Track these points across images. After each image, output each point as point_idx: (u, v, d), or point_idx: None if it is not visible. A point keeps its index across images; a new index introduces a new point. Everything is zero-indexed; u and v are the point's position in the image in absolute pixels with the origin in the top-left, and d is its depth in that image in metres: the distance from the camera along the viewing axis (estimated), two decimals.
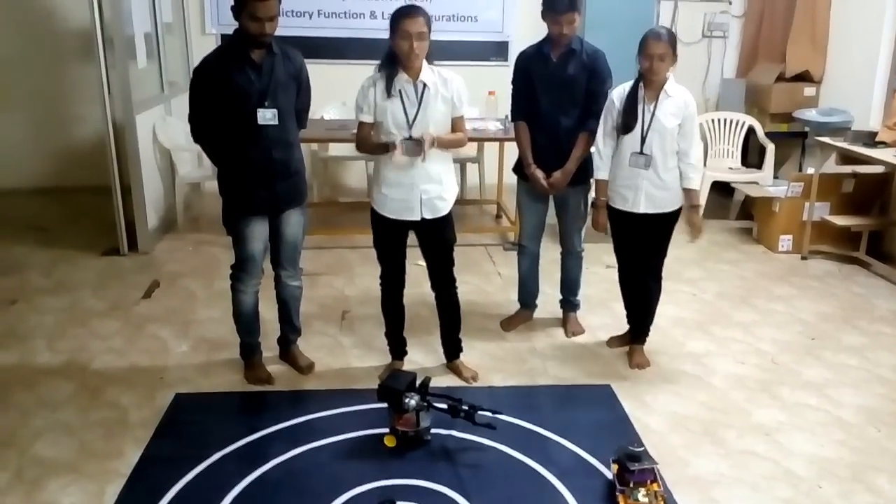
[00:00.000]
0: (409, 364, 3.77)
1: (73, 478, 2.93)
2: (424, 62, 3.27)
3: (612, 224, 3.78)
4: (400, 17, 3.18)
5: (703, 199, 5.93)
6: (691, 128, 3.52)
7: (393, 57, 3.24)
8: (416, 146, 3.26)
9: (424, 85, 3.27)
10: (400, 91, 3.26)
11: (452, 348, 3.74)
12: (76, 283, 4.86)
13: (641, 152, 3.55)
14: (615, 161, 3.66)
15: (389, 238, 3.48)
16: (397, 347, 3.77)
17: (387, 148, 3.26)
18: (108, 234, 5.41)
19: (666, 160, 3.55)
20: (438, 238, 3.49)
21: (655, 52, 3.39)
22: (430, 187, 3.37)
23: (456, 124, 3.40)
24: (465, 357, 3.77)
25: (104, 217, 5.49)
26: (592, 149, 3.83)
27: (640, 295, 3.87)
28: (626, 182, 3.63)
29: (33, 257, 5.30)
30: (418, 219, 3.40)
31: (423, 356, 3.87)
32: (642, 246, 3.75)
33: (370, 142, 3.37)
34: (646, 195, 3.60)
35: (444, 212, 3.45)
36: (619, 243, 3.84)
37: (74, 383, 3.62)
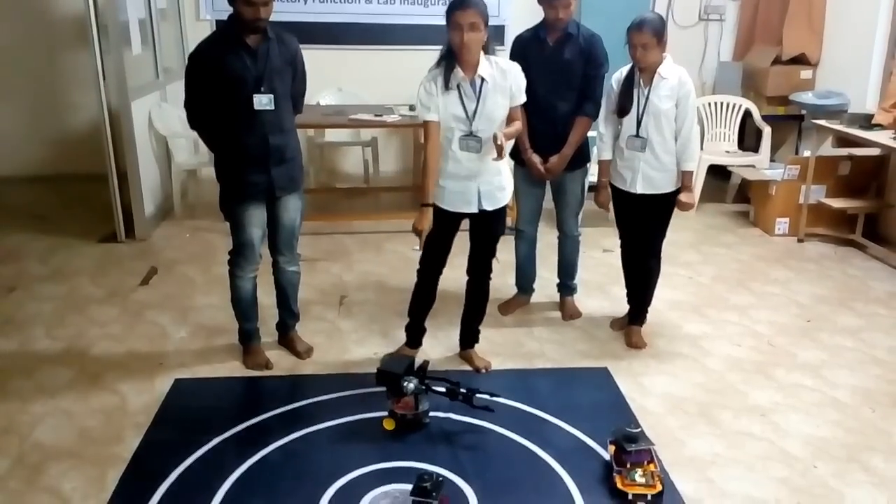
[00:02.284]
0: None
1: (74, 463, 2.94)
2: (482, 54, 3.23)
3: (615, 203, 3.83)
4: (452, 8, 3.14)
5: (699, 182, 5.99)
6: (685, 107, 3.54)
7: (450, 52, 3.20)
8: (477, 143, 3.26)
9: (483, 79, 3.23)
10: (458, 86, 3.23)
11: (469, 337, 3.74)
12: (74, 270, 4.87)
13: (637, 135, 3.59)
14: (616, 143, 3.71)
15: (442, 229, 3.40)
16: (416, 336, 3.75)
17: (428, 203, 3.27)
18: (106, 221, 5.41)
19: (664, 142, 3.58)
20: (489, 228, 3.48)
21: (638, 42, 3.44)
22: (490, 178, 3.36)
23: (512, 113, 3.35)
24: None
25: (101, 204, 5.49)
26: (593, 133, 3.85)
27: (640, 275, 3.90)
28: (625, 163, 3.68)
29: (31, 245, 5.30)
30: (476, 211, 3.39)
31: (425, 341, 3.86)
32: (642, 226, 3.78)
33: (432, 178, 3.28)
34: (643, 176, 3.64)
35: (504, 202, 3.45)
36: (621, 222, 3.89)
37: (74, 370, 3.63)
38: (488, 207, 3.39)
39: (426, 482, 2.61)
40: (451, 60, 3.21)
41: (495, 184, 3.39)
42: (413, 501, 2.59)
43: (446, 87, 3.22)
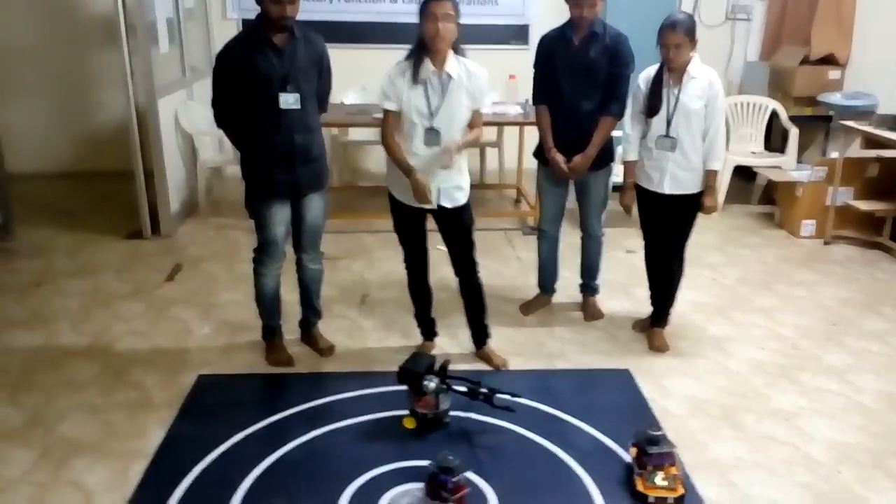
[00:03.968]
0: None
1: (98, 457, 2.98)
2: (451, 53, 3.26)
3: (639, 204, 3.81)
4: (427, 1, 3.18)
5: (724, 183, 5.94)
6: (714, 107, 3.52)
7: (421, 46, 3.23)
8: (437, 136, 3.28)
9: (449, 76, 3.26)
10: (425, 80, 3.26)
11: (480, 335, 3.74)
12: (100, 266, 4.92)
13: (667, 135, 3.57)
14: (643, 143, 3.69)
15: (408, 223, 3.50)
16: (427, 329, 3.79)
17: (408, 172, 3.27)
18: (132, 218, 5.47)
19: (694, 142, 3.56)
20: (456, 223, 3.49)
21: (672, 42, 3.42)
22: (448, 177, 3.36)
23: (472, 118, 3.38)
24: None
25: (127, 201, 5.55)
26: (617, 132, 3.83)
27: (663, 276, 3.88)
28: (653, 163, 3.66)
29: (58, 241, 5.37)
30: (435, 207, 3.41)
31: (444, 340, 3.87)
32: (667, 226, 3.76)
33: (395, 151, 3.32)
34: (671, 176, 3.62)
35: (462, 201, 3.45)
36: (646, 223, 3.87)
37: (99, 364, 3.67)
38: (446, 204, 3.40)
39: (450, 463, 2.61)
40: (421, 54, 3.24)
41: (453, 182, 3.39)
42: (437, 475, 2.61)
43: (414, 80, 3.25)
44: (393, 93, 3.29)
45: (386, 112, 3.33)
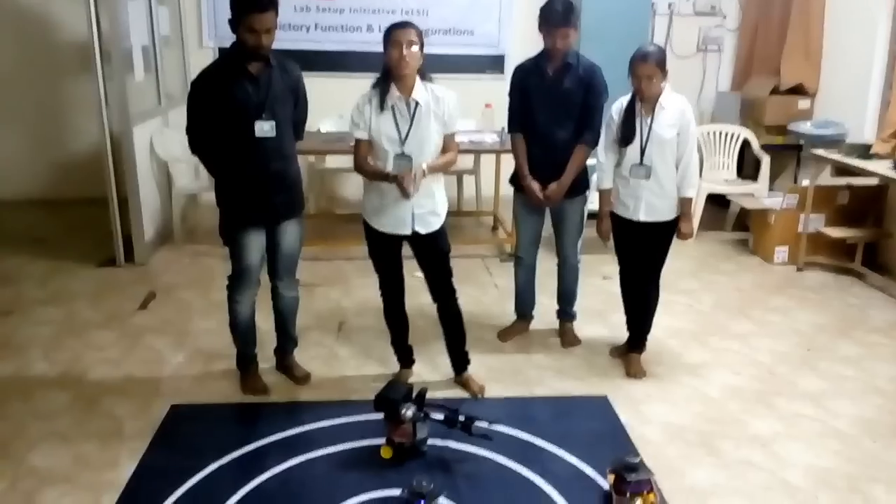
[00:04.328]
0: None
1: (68, 489, 2.92)
2: (418, 80, 3.28)
3: (615, 230, 3.84)
4: (391, 29, 3.24)
5: (698, 211, 6.00)
6: (686, 136, 3.57)
7: (387, 74, 3.27)
8: (408, 162, 3.29)
9: (417, 102, 3.28)
10: (393, 107, 3.28)
11: (459, 362, 3.72)
12: (72, 294, 4.86)
13: (641, 163, 3.61)
14: (618, 171, 3.72)
15: (383, 250, 3.49)
16: (404, 356, 3.78)
17: (387, 177, 3.27)
18: (105, 246, 5.41)
19: (668, 170, 3.61)
20: (433, 249, 3.49)
21: (643, 73, 3.48)
22: (423, 202, 3.37)
23: (447, 143, 3.40)
24: None
25: (101, 228, 5.48)
26: (592, 161, 3.86)
27: (639, 302, 3.90)
28: (628, 191, 3.69)
29: (30, 268, 5.30)
30: (410, 233, 3.41)
31: (421, 367, 3.86)
32: (642, 253, 3.78)
33: (370, 167, 3.35)
34: (646, 204, 3.65)
35: (437, 227, 3.46)
36: (621, 249, 3.89)
37: (70, 394, 3.61)
38: (421, 230, 3.41)
39: (423, 488, 2.64)
40: (387, 82, 3.27)
41: (428, 207, 3.40)
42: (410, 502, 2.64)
43: (381, 107, 3.27)
44: (362, 121, 3.31)
45: (357, 141, 3.35)
